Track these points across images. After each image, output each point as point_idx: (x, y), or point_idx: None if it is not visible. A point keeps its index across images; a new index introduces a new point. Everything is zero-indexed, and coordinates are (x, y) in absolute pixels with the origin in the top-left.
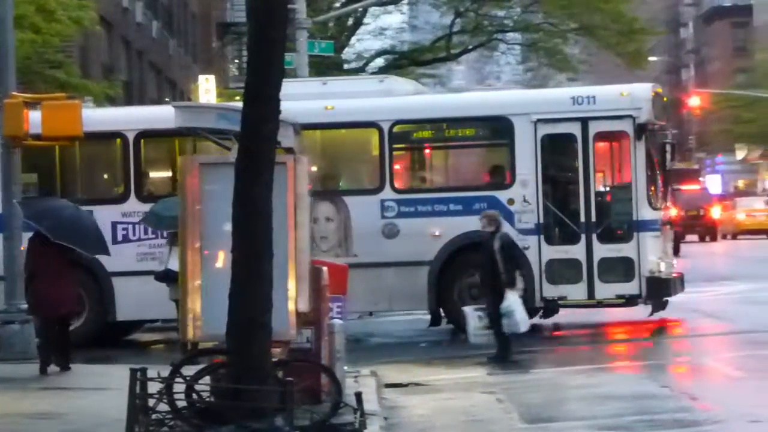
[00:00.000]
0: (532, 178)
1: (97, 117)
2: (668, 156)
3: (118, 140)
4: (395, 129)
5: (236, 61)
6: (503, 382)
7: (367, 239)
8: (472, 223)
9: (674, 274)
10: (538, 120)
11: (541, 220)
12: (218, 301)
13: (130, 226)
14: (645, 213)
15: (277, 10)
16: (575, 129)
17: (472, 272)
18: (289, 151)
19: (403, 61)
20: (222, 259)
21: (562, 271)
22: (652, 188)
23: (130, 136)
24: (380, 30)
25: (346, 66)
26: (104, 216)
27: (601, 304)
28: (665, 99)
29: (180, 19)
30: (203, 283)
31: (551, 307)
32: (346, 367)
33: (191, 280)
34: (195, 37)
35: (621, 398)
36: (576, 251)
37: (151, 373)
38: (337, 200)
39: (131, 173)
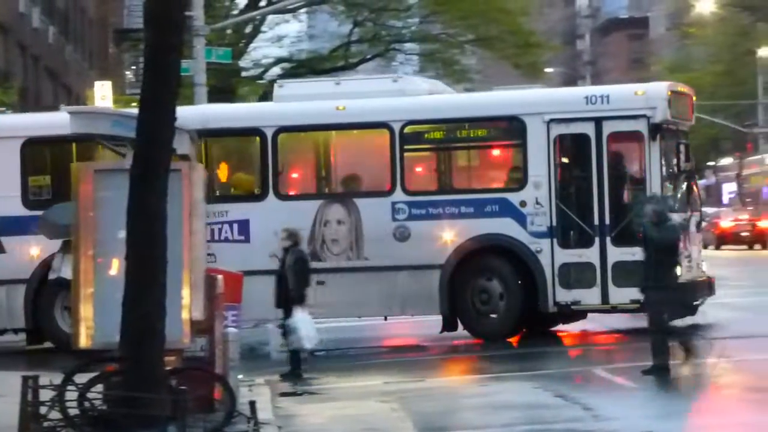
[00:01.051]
0: (544, 180)
1: None
2: (682, 156)
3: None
4: (406, 130)
5: (133, 67)
6: (398, 390)
7: (378, 242)
8: (484, 226)
9: (700, 279)
10: (551, 120)
11: (554, 223)
12: (111, 309)
13: None
14: None
15: (173, 17)
16: (589, 129)
17: (484, 276)
18: (185, 158)
19: (301, 70)
20: (116, 267)
21: (576, 275)
22: (667, 190)
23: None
24: (278, 38)
25: (244, 74)
26: None
27: (615, 309)
28: (693, 98)
29: (77, 25)
30: (96, 291)
31: (565, 312)
32: (240, 376)
33: (84, 287)
34: (92, 42)
35: (514, 407)
36: (590, 255)
37: (44, 380)
38: (349, 203)
39: None
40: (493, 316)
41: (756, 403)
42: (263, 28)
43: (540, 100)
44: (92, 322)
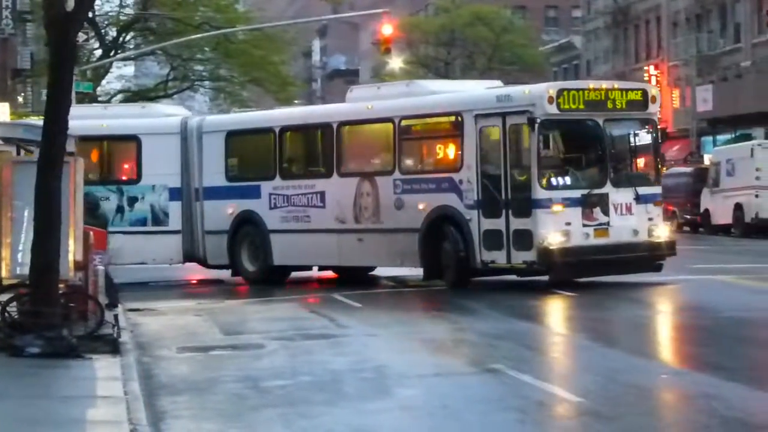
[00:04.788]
0: (473, 163)
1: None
2: (552, 144)
3: (270, 134)
4: (402, 123)
5: (22, 93)
6: (207, 308)
7: (387, 210)
8: (442, 199)
9: (657, 241)
10: (477, 115)
11: (480, 197)
12: (24, 252)
13: (278, 197)
14: (538, 193)
15: (67, 64)
16: (498, 122)
17: (442, 239)
18: (71, 154)
19: (135, 97)
20: (26, 224)
21: (493, 239)
22: (546, 172)
23: (277, 130)
24: (120, 76)
25: (99, 99)
26: (264, 189)
27: (513, 268)
28: (587, 94)
29: None
30: (13, 240)
31: (483, 269)
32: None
33: (4, 237)
34: None
35: (285, 320)
36: (500, 223)
37: None
38: (372, 179)
39: (277, 160)
40: (449, 269)
41: (435, 317)
42: (111, 69)
43: (471, 99)
44: (10, 260)
